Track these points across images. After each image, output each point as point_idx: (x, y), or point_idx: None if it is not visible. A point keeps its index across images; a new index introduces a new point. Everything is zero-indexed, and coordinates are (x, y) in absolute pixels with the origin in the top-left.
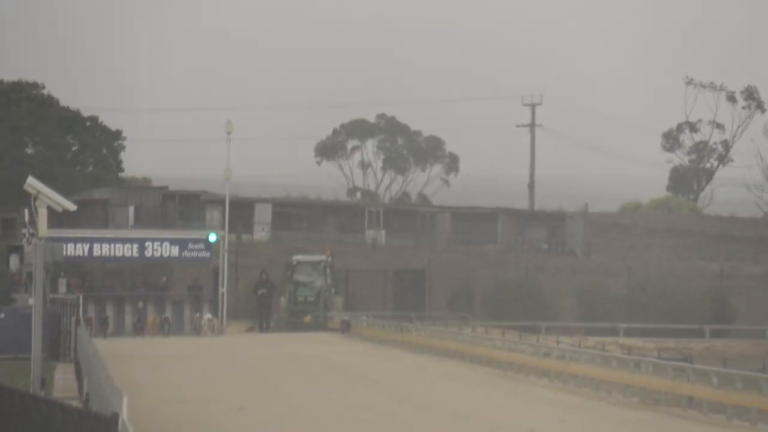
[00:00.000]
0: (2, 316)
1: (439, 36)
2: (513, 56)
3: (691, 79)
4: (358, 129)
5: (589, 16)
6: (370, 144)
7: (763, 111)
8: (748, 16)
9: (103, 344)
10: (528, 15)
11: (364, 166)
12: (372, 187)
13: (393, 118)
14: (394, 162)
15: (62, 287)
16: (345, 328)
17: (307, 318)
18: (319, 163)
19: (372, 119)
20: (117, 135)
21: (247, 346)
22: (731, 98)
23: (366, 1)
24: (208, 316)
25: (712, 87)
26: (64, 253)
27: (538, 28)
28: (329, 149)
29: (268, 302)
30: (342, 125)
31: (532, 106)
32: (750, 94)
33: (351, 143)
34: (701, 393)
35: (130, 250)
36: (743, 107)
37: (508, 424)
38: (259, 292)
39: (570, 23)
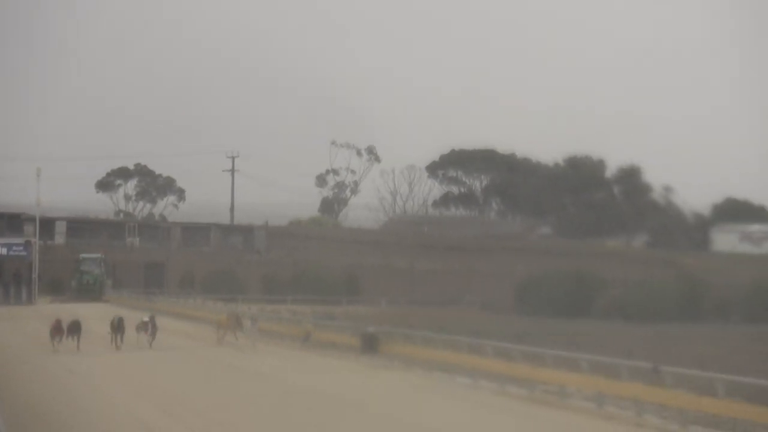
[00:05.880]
0: None
1: (172, 103)
2: (221, 118)
3: (335, 141)
4: (123, 173)
5: (262, 90)
6: (130, 183)
7: (379, 161)
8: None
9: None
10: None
11: (126, 196)
12: (131, 210)
13: (145, 165)
14: (145, 194)
15: None
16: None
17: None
18: (97, 192)
19: (131, 166)
20: None
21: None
22: (359, 153)
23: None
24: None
25: (347, 146)
26: None
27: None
28: (104, 186)
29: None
30: (112, 170)
31: (233, 158)
32: (370, 150)
33: (117, 182)
34: (341, 339)
35: None
36: (367, 159)
37: (226, 362)
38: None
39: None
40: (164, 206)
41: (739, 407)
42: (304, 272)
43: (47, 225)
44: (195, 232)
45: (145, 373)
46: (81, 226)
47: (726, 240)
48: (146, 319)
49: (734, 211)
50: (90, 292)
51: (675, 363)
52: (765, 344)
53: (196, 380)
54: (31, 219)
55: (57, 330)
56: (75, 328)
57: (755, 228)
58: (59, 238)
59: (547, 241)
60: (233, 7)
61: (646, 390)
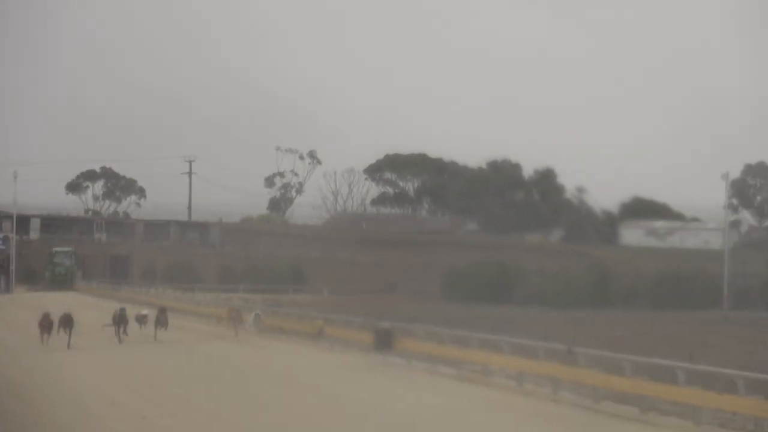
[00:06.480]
0: None
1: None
2: (180, 125)
3: (279, 146)
4: (91, 175)
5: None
6: (97, 184)
7: (320, 164)
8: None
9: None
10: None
11: (94, 196)
12: (98, 208)
13: (111, 168)
14: (111, 194)
15: None
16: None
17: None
18: (67, 193)
19: (98, 169)
20: None
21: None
22: (302, 157)
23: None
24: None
25: (291, 151)
26: None
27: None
28: (74, 187)
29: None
30: (81, 173)
31: (190, 162)
32: (312, 154)
33: (85, 183)
34: (287, 325)
35: None
36: (309, 162)
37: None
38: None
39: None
40: (128, 205)
41: (645, 385)
42: (254, 264)
43: (23, 222)
44: (156, 228)
45: (130, 363)
46: (54, 223)
47: (633, 235)
48: (144, 312)
49: (640, 209)
50: (62, 282)
51: (587, 345)
52: (667, 328)
53: (175, 368)
54: (9, 216)
55: (46, 324)
56: (67, 321)
57: (659, 224)
58: (34, 234)
59: (473, 236)
60: (189, 25)
61: (562, 369)
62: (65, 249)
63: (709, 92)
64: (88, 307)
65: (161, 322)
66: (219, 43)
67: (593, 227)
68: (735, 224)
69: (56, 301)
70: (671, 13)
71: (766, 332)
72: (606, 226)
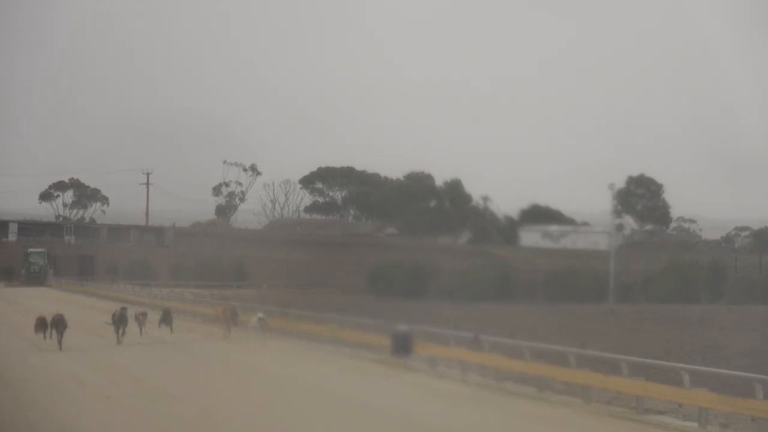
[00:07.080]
0: None
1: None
2: (138, 140)
3: (225, 160)
4: (61, 185)
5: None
6: (67, 193)
7: (260, 174)
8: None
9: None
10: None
11: (64, 204)
12: (67, 214)
13: (78, 179)
14: (78, 202)
15: None
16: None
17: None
18: (40, 203)
19: (67, 180)
20: None
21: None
22: (245, 170)
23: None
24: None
25: (236, 164)
26: None
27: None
28: (46, 196)
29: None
30: (52, 184)
31: (147, 174)
32: (253, 168)
33: (56, 193)
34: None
35: None
36: (250, 174)
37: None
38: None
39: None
40: (93, 211)
41: (543, 367)
42: (203, 263)
43: (2, 226)
44: (118, 231)
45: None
46: (29, 227)
47: (531, 237)
48: (143, 311)
49: (537, 214)
50: (36, 279)
51: (491, 333)
52: (560, 318)
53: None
54: None
55: (41, 326)
56: (59, 323)
57: (553, 228)
58: (12, 237)
59: (392, 239)
60: (149, 43)
61: (469, 354)
62: (39, 250)
63: (597, 114)
64: (61, 300)
65: (166, 321)
66: (178, 64)
67: (496, 230)
68: (619, 228)
69: (32, 296)
70: (580, 32)
71: (646, 322)
72: (507, 229)
